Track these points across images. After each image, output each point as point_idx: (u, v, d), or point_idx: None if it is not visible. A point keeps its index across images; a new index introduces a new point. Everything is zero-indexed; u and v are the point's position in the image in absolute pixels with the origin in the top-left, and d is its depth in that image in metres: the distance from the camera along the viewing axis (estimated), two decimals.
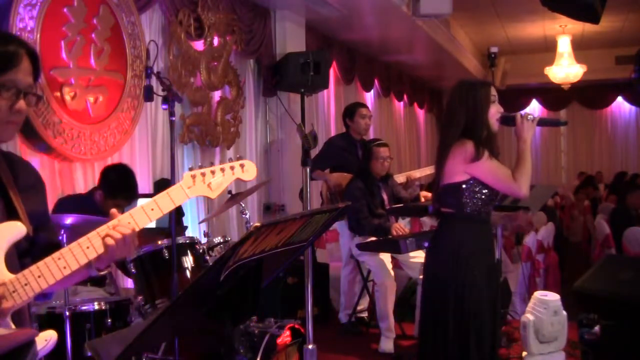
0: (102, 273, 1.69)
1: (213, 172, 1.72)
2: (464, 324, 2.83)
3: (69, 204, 3.63)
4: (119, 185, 3.72)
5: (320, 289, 5.65)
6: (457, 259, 2.88)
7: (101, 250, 1.61)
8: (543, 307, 3.84)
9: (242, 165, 1.77)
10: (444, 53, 9.70)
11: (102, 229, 1.62)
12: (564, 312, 3.89)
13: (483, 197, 2.90)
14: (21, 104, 1.60)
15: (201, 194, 1.71)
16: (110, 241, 1.60)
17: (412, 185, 5.81)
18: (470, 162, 2.83)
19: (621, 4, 8.95)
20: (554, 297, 3.93)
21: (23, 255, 1.66)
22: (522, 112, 2.97)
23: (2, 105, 1.57)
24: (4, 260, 1.55)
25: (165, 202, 1.68)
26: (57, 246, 1.64)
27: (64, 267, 1.58)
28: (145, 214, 1.65)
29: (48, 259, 1.57)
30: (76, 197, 3.87)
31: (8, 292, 1.53)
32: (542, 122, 3.03)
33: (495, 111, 2.93)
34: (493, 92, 2.96)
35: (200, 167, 1.72)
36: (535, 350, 3.86)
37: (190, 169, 1.72)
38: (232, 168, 1.75)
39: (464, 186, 2.88)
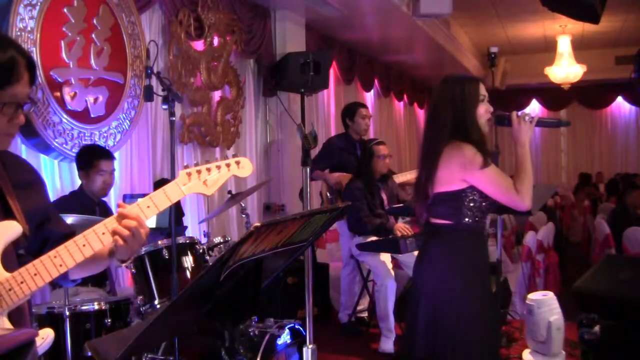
0: (125, 265, 1.71)
1: (209, 170, 1.72)
2: (465, 336, 2.63)
3: (63, 204, 3.62)
4: (89, 153, 3.79)
5: (320, 289, 5.65)
6: (453, 274, 2.64)
7: (98, 247, 1.62)
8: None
9: (237, 162, 1.76)
10: (444, 53, 9.70)
11: (99, 227, 1.63)
12: (544, 316, 3.86)
13: (482, 207, 2.66)
14: (20, 117, 1.60)
15: (197, 191, 1.71)
16: (119, 240, 1.61)
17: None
18: (470, 170, 2.58)
19: (621, 4, 8.94)
20: (537, 297, 3.97)
21: (30, 252, 1.66)
22: (520, 112, 2.72)
23: (2, 119, 1.57)
24: (0, 259, 1.55)
25: (161, 199, 1.67)
26: (72, 234, 1.65)
27: (60, 265, 1.58)
28: (141, 211, 1.65)
29: (44, 257, 1.58)
30: (68, 196, 3.87)
31: (4, 290, 1.53)
32: (541, 123, 2.74)
33: (484, 111, 2.68)
34: (482, 90, 2.70)
35: (196, 164, 1.72)
36: (528, 344, 4.03)
37: (186, 167, 1.71)
38: (227, 165, 1.75)
39: (463, 194, 2.62)
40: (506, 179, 2.65)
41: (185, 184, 1.69)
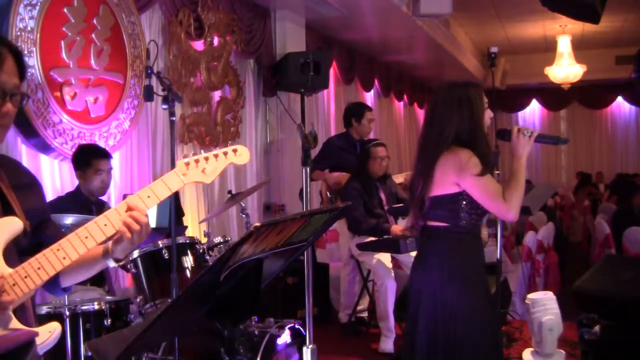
0: (120, 264, 1.70)
1: (207, 159, 1.73)
2: (466, 337, 2.63)
3: (61, 204, 3.61)
4: (86, 152, 3.79)
5: (320, 289, 5.65)
6: (451, 275, 2.65)
7: (101, 238, 1.62)
8: None
9: (234, 150, 1.77)
10: (444, 53, 9.70)
11: (100, 218, 1.63)
12: (537, 316, 3.85)
13: (479, 209, 2.68)
14: (8, 106, 1.58)
15: (196, 180, 1.72)
16: (127, 232, 1.62)
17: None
18: (464, 174, 2.60)
19: (621, 4, 8.95)
20: (533, 297, 3.97)
21: (24, 253, 1.66)
22: (521, 124, 2.79)
23: None
24: (2, 255, 1.55)
25: (160, 189, 1.68)
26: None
27: (64, 258, 1.58)
28: (141, 201, 1.66)
29: (47, 251, 1.57)
30: (64, 196, 3.87)
31: (8, 285, 1.52)
32: (540, 139, 2.77)
33: (487, 117, 2.76)
34: (484, 96, 2.76)
35: (194, 154, 1.73)
36: (532, 343, 3.99)
37: (184, 157, 1.73)
38: (225, 153, 1.76)
39: (459, 197, 2.65)
40: (496, 186, 2.67)
41: (185, 173, 1.70)
